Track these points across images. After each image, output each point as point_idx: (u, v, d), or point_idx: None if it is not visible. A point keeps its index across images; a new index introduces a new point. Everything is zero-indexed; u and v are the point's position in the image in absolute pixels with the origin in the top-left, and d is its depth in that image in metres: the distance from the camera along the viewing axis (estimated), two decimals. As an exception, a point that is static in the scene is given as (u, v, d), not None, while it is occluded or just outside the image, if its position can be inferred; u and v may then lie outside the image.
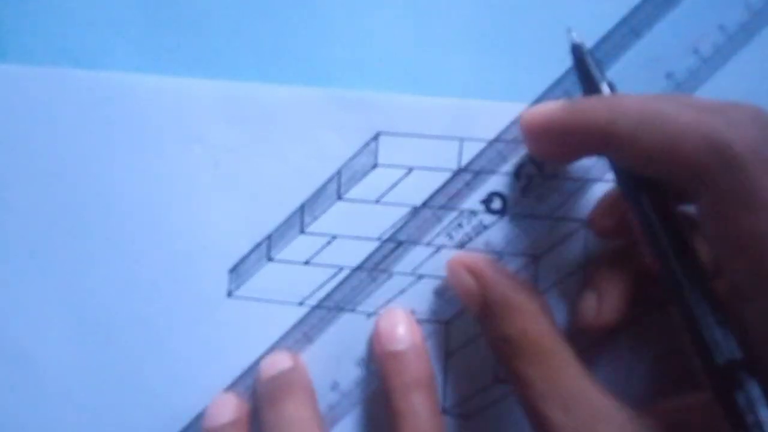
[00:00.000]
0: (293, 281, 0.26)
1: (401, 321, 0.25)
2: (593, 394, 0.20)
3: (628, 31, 0.24)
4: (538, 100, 0.25)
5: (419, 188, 0.25)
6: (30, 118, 0.26)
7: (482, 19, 0.25)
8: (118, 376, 0.26)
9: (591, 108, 0.20)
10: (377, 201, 0.25)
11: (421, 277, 0.25)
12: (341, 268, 0.25)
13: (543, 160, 0.24)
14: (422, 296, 0.25)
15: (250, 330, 0.26)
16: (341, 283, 0.25)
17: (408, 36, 0.25)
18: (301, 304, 0.26)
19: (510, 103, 0.25)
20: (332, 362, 0.25)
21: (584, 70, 0.22)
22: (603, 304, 0.23)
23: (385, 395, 0.24)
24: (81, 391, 0.26)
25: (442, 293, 0.25)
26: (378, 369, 0.24)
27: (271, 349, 0.25)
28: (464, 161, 0.25)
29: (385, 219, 0.25)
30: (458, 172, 0.25)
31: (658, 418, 0.20)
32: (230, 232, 0.26)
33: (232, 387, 0.26)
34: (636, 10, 0.24)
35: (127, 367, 0.26)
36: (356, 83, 0.25)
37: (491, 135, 0.25)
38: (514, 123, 0.25)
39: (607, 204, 0.24)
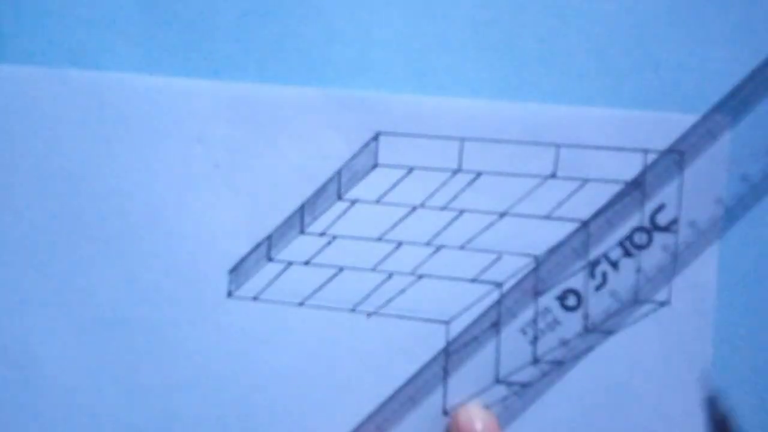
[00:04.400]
0: (293, 281, 0.26)
1: (478, 417, 0.24)
2: None
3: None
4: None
5: (419, 188, 0.25)
6: (30, 118, 0.26)
7: (483, 19, 0.25)
8: (117, 376, 0.26)
9: None
10: (377, 201, 0.25)
11: (421, 277, 0.25)
12: (341, 269, 0.25)
13: None
14: (422, 296, 0.25)
15: (250, 330, 0.26)
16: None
17: (408, 36, 0.25)
18: (301, 304, 0.26)
19: (510, 103, 0.25)
20: None
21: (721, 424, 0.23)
22: None
23: None
24: (81, 390, 0.26)
25: (442, 293, 0.25)
26: None
27: (272, 350, 0.25)
28: (465, 161, 0.25)
29: (386, 219, 0.25)
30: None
31: None
32: (230, 232, 0.26)
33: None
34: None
35: (127, 367, 0.26)
36: (356, 83, 0.25)
37: (491, 135, 0.25)
38: (514, 124, 0.25)
39: None
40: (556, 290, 0.25)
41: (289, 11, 0.25)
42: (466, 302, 0.25)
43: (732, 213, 0.25)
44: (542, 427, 0.25)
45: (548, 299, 0.25)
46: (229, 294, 0.26)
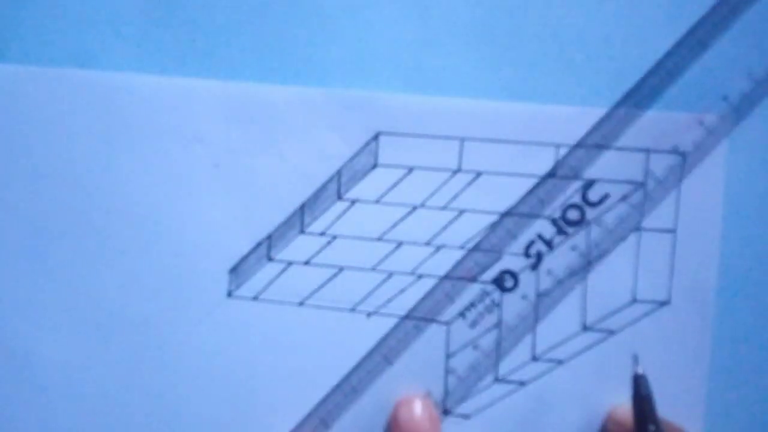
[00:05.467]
0: (293, 281, 0.26)
1: (420, 411, 0.24)
2: None
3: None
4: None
5: (419, 188, 0.25)
6: (30, 118, 0.26)
7: (483, 19, 0.25)
8: (117, 376, 0.26)
9: None
10: (377, 201, 0.25)
11: (421, 277, 0.25)
12: (341, 268, 0.25)
13: None
14: (422, 296, 0.25)
15: (250, 330, 0.26)
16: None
17: (408, 36, 0.25)
18: (301, 304, 0.26)
19: (510, 103, 0.25)
20: None
21: (640, 401, 0.24)
22: None
23: None
24: (81, 390, 0.26)
25: (441, 293, 0.25)
26: None
27: (271, 350, 0.26)
28: (465, 161, 0.25)
29: (386, 219, 0.25)
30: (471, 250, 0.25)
31: None
32: (230, 232, 0.26)
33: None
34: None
35: (127, 367, 0.26)
36: (356, 83, 0.25)
37: (491, 135, 0.25)
38: (515, 123, 0.25)
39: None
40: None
41: (289, 11, 0.25)
42: (465, 302, 0.25)
43: (731, 213, 0.25)
44: (542, 427, 0.25)
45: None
46: (229, 294, 0.26)
